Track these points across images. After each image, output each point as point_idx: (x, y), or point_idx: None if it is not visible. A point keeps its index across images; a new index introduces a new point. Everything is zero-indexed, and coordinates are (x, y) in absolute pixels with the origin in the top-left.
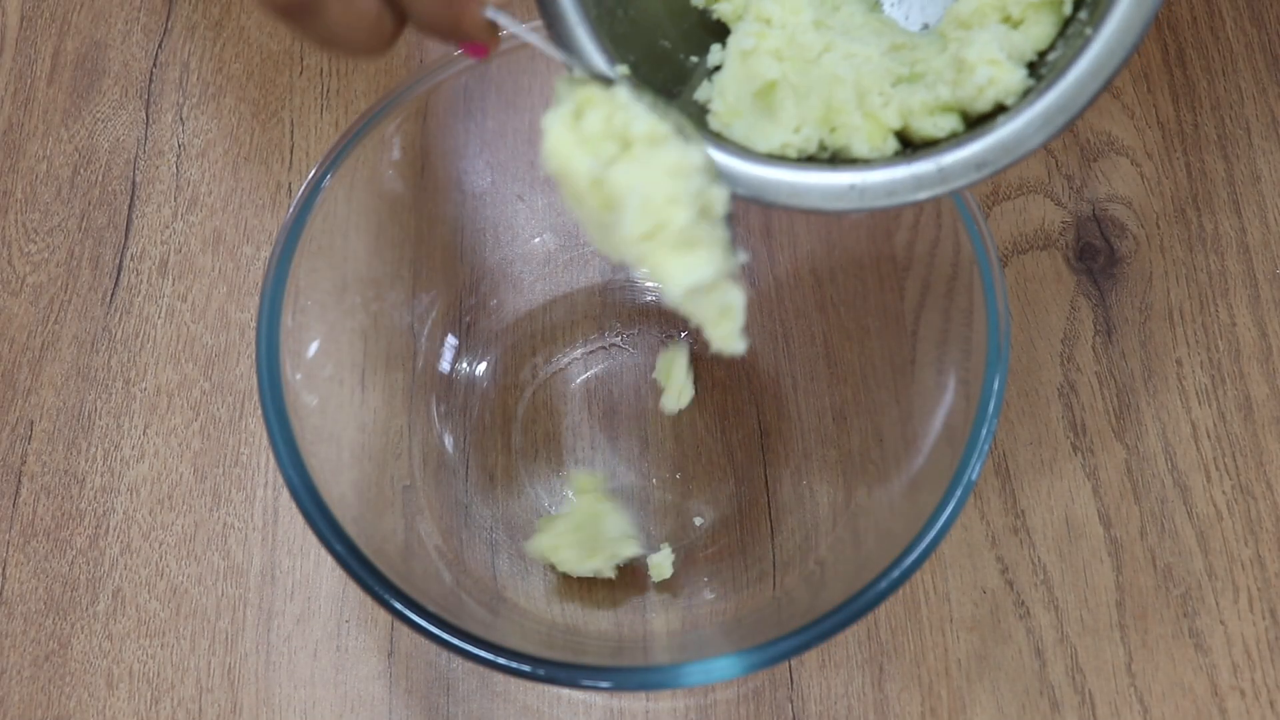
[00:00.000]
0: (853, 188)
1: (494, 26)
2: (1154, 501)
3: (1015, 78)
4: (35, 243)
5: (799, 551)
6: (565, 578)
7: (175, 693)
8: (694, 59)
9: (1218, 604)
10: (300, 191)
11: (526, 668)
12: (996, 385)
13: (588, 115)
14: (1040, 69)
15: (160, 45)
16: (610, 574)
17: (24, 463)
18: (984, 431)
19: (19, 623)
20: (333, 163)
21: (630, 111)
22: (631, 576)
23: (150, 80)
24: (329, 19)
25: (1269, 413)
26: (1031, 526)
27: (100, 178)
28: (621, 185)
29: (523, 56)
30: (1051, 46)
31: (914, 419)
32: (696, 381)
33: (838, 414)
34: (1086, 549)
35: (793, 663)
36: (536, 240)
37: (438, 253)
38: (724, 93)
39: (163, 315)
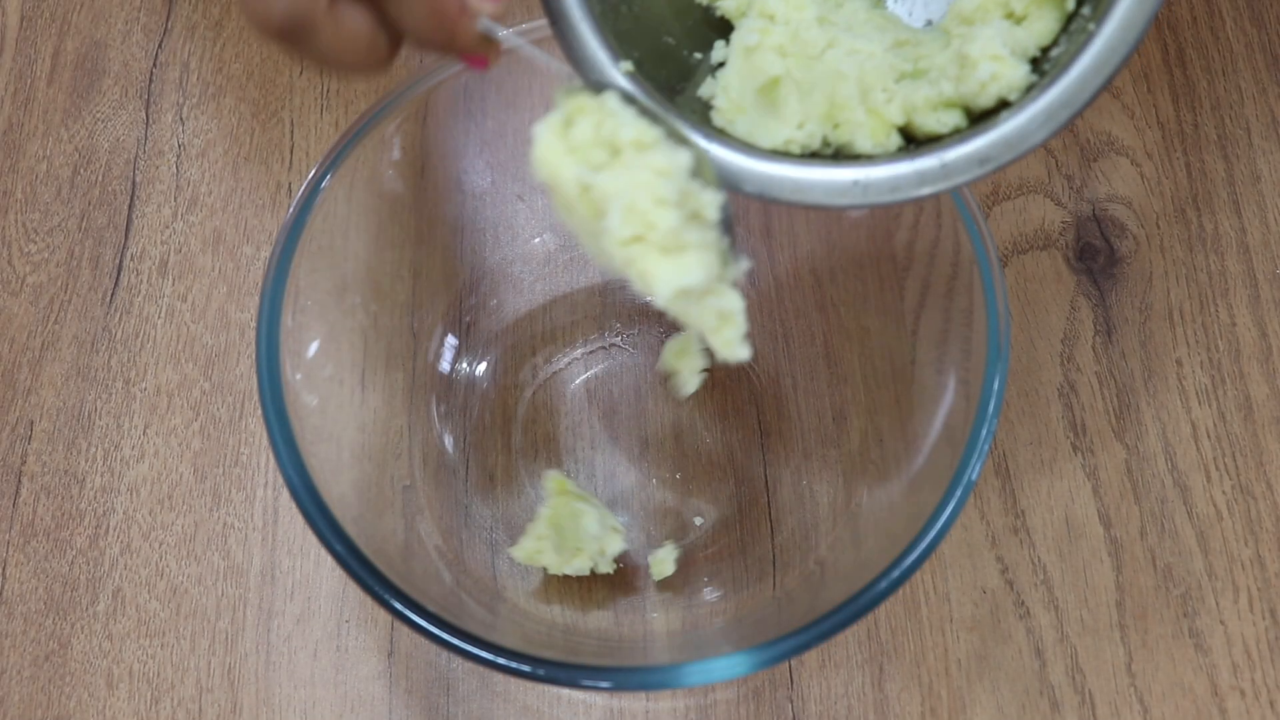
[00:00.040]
0: (856, 183)
1: (490, 39)
2: (1154, 501)
3: (1018, 73)
4: (35, 243)
5: (799, 551)
6: (565, 578)
7: (175, 693)
8: (698, 55)
9: (1218, 604)
10: (300, 191)
11: (526, 668)
12: (996, 385)
13: (577, 123)
14: (1043, 65)
15: (160, 45)
16: (608, 569)
17: (24, 463)
18: (984, 431)
19: (19, 623)
20: (333, 163)
21: (619, 118)
22: (631, 576)
23: (150, 80)
24: (322, 42)
25: (1269, 413)
26: (1031, 526)
27: (100, 178)
28: (609, 191)
29: (523, 57)
30: (1054, 42)
31: (914, 419)
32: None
33: (838, 414)
34: (1086, 549)
35: (793, 663)
36: (536, 240)
37: (438, 253)
38: (727, 89)
39: (163, 315)
